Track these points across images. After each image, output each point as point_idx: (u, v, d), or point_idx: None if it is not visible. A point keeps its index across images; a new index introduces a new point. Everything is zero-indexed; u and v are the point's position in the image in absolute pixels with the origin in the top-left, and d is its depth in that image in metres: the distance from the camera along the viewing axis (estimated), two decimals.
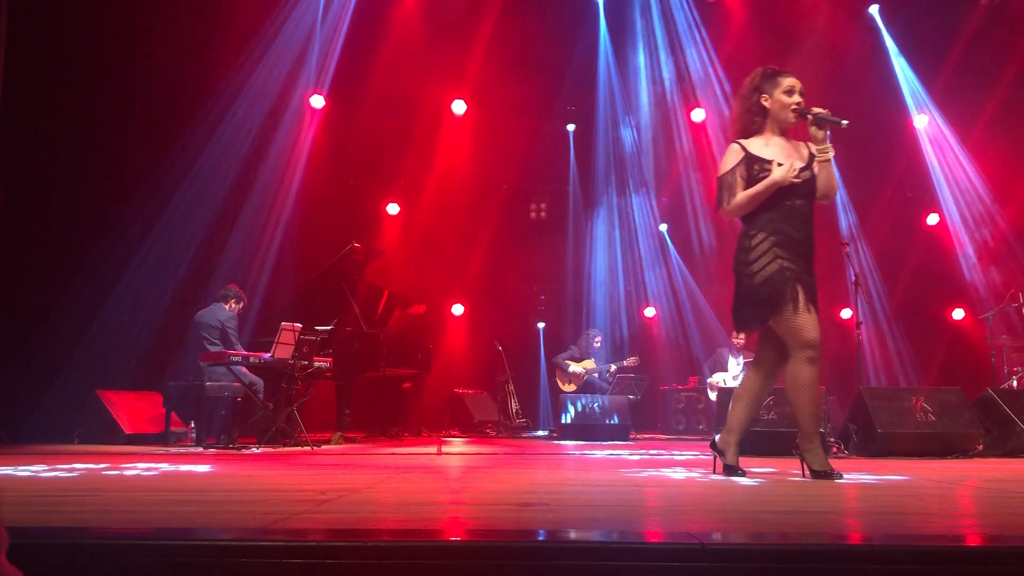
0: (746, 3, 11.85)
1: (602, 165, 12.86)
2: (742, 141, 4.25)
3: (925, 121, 12.13)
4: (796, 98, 4.24)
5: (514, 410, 11.34)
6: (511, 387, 11.47)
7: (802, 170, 4.11)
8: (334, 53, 11.39)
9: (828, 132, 4.20)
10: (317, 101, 11.49)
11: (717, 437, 4.36)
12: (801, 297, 4.03)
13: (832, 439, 6.46)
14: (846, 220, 12.46)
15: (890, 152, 12.24)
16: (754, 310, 4.12)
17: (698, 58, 12.10)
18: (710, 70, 12.06)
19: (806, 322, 4.02)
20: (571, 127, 13.01)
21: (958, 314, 12.17)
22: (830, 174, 4.18)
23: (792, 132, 4.33)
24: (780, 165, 4.09)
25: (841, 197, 12.56)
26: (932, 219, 12.43)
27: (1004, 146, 11.41)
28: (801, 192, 4.11)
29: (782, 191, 4.08)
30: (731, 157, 4.22)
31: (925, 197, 12.34)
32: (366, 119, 11.58)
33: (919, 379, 11.52)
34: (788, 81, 4.26)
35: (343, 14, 11.42)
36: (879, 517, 2.82)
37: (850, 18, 11.90)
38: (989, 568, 1.84)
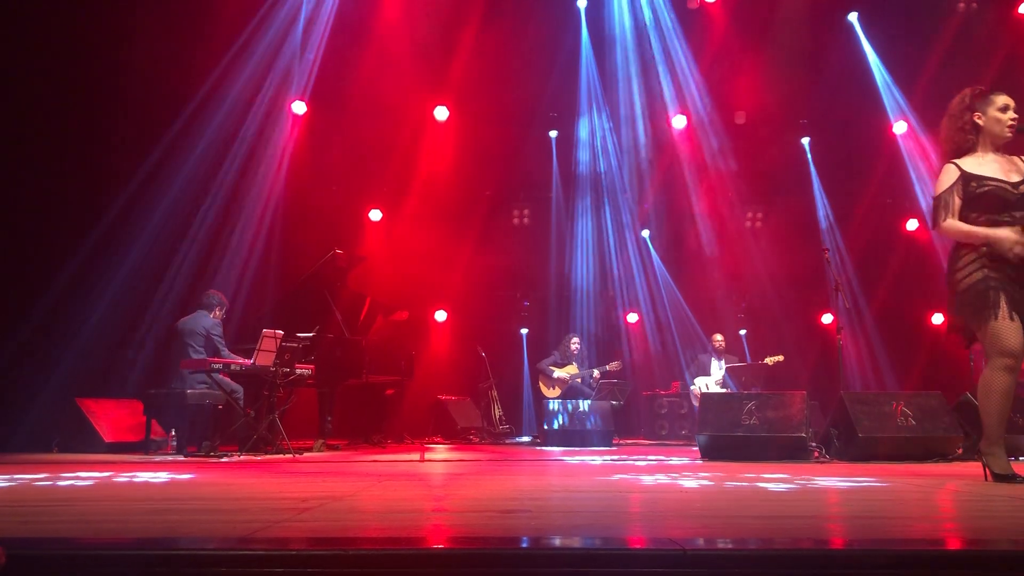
0: (727, 10, 11.93)
1: (585, 171, 12.91)
2: (956, 161, 4.34)
3: (904, 127, 12.24)
4: (1012, 114, 4.34)
5: (497, 416, 11.33)
6: (494, 393, 11.45)
7: (1015, 185, 4.21)
8: (316, 59, 11.36)
9: None
10: (299, 107, 11.46)
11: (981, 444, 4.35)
12: (1004, 305, 4.07)
13: (814, 444, 6.49)
14: (827, 226, 12.57)
15: (870, 158, 12.36)
16: (959, 317, 4.23)
17: (680, 65, 12.16)
18: (691, 77, 12.14)
19: (1007, 330, 4.06)
20: (553, 133, 13.04)
21: (937, 319, 12.28)
22: None
23: (1005, 147, 4.38)
24: (1000, 184, 4.19)
25: (823, 203, 12.66)
26: (911, 225, 12.55)
27: None
28: (1019, 207, 4.19)
29: (1002, 204, 4.17)
30: (947, 177, 4.32)
31: (905, 203, 12.47)
32: (348, 125, 11.57)
33: (900, 384, 11.62)
34: (1002, 99, 4.37)
35: (325, 20, 11.40)
36: (861, 522, 2.84)
37: (830, 26, 12.01)
38: (970, 572, 1.86)
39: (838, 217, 12.55)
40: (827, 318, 11.90)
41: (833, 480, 4.36)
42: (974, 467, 5.62)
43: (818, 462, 6.15)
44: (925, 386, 9.67)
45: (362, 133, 11.55)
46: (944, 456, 6.19)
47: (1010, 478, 4.11)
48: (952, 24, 11.38)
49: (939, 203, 4.31)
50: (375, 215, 12.36)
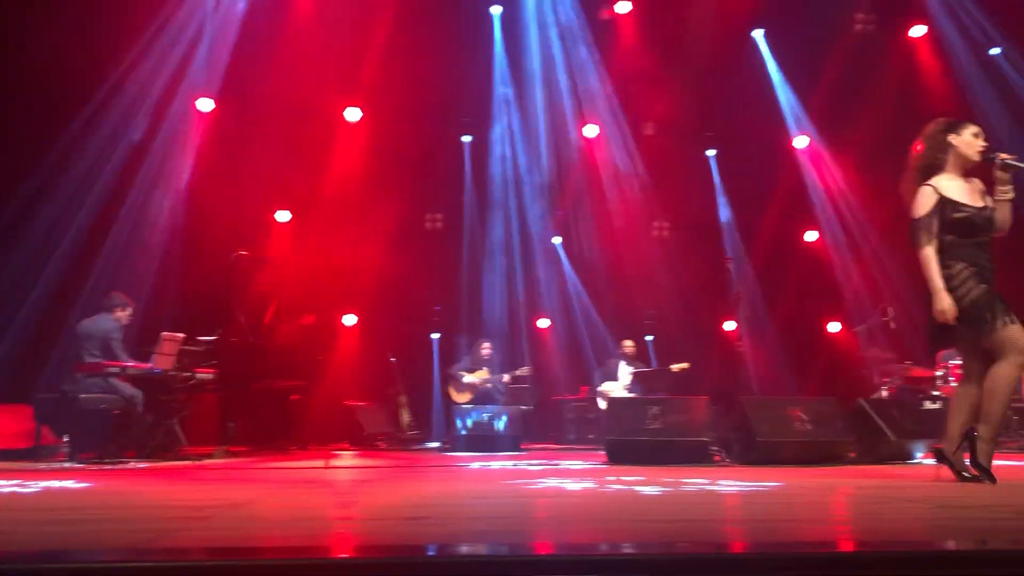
0: (638, 21, 12.14)
1: (498, 177, 12.93)
2: (933, 183, 4.63)
3: (805, 142, 12.70)
4: (983, 141, 4.69)
5: (406, 422, 11.23)
6: (403, 399, 11.35)
7: (981, 210, 4.58)
8: (225, 56, 11.08)
9: (1011, 175, 4.59)
10: (206, 104, 11.15)
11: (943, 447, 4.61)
12: (1004, 313, 4.45)
13: (715, 448, 6.65)
14: (731, 235, 12.91)
15: (773, 171, 12.76)
16: (963, 329, 4.52)
17: (591, 74, 12.33)
18: (602, 87, 12.31)
19: (1017, 332, 4.41)
20: (467, 139, 13.03)
21: (834, 327, 12.76)
22: (1008, 212, 4.61)
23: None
24: (972, 210, 4.56)
25: (727, 213, 13.01)
26: (811, 236, 13.02)
27: (876, 166, 12.07)
28: (986, 228, 4.58)
29: (973, 229, 4.55)
30: (926, 200, 4.60)
31: (805, 215, 12.92)
32: (257, 124, 11.30)
33: (798, 390, 11.99)
34: (974, 128, 4.73)
35: (236, 16, 11.14)
36: (758, 524, 2.92)
37: (736, 40, 12.35)
38: (862, 573, 1.92)
39: (741, 227, 12.91)
40: (730, 325, 12.22)
41: (732, 483, 4.47)
42: (866, 471, 5.85)
43: (719, 466, 6.30)
44: (822, 392, 10.03)
45: (271, 133, 11.30)
46: (838, 460, 6.42)
47: (986, 473, 4.38)
48: (849, 43, 11.85)
49: (920, 226, 4.60)
50: (283, 216, 12.10)
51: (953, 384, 9.58)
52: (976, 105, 11.51)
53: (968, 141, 4.68)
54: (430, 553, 2.07)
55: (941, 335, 4.64)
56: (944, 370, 9.80)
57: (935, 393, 9.69)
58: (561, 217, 13.04)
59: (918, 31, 11.94)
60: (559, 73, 12.50)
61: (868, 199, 12.31)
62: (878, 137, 11.87)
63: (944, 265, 4.56)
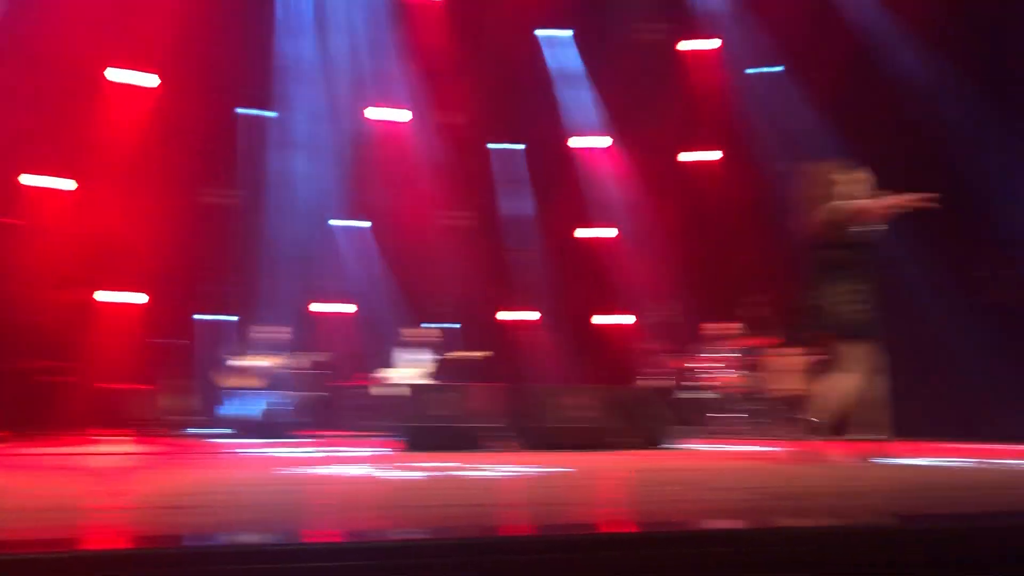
0: (442, 9, 12.08)
1: (295, 155, 12.40)
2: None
3: (594, 141, 13.22)
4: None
5: (180, 407, 10.59)
6: (181, 383, 10.71)
7: None
8: None
9: None
10: None
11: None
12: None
13: (507, 434, 6.77)
14: (521, 228, 13.19)
15: (562, 167, 13.18)
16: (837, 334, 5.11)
17: (392, 58, 12.15)
18: (402, 71, 12.18)
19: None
20: (247, 111, 12.33)
21: (617, 319, 13.39)
22: None
23: None
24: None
25: (517, 206, 13.26)
26: (598, 232, 13.57)
27: (662, 167, 12.81)
28: None
29: None
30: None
31: (594, 211, 13.43)
32: (22, 82, 10.19)
33: (584, 379, 12.45)
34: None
35: None
36: (539, 508, 2.97)
37: (534, 38, 12.60)
38: (639, 552, 1.97)
39: (535, 220, 13.22)
40: (525, 316, 12.52)
41: (515, 468, 4.55)
42: (641, 455, 6.16)
43: (506, 451, 6.43)
44: (605, 382, 10.44)
45: (40, 93, 10.25)
46: (615, 445, 6.71)
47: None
48: (641, 50, 12.42)
49: None
50: (43, 181, 10.90)
51: (719, 375, 10.32)
52: (753, 119, 12.43)
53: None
54: (190, 543, 1.94)
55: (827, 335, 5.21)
56: (712, 361, 10.51)
57: (703, 383, 10.38)
58: (359, 200, 12.78)
59: (706, 44, 12.71)
60: (360, 54, 12.22)
61: (647, 197, 12.99)
62: (656, 139, 12.60)
63: (840, 279, 5.13)
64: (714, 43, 12.65)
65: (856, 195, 5.18)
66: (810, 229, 5.18)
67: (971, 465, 5.02)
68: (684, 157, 13.07)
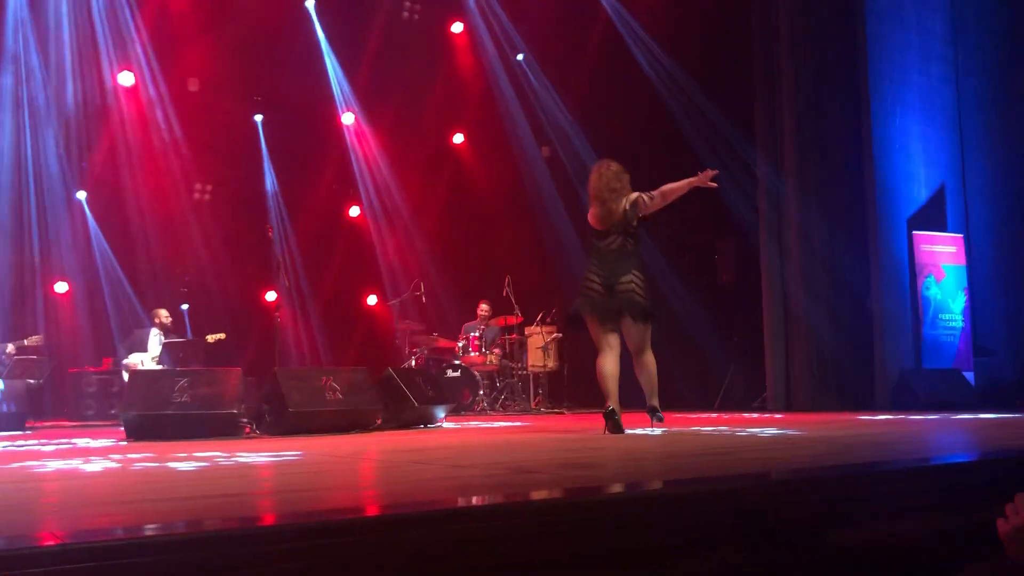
0: None
1: (8, 119, 11.12)
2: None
3: (351, 118, 13.00)
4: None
5: None
6: None
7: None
8: None
9: None
10: None
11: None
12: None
13: (245, 420, 6.51)
14: (275, 206, 12.75)
15: (322, 144, 12.86)
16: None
17: (124, 19, 11.21)
18: (137, 34, 11.28)
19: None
20: None
21: (372, 300, 13.31)
22: None
23: None
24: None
25: (272, 182, 12.80)
26: (354, 211, 13.40)
27: (409, 147, 12.84)
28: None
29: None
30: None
31: (349, 190, 13.25)
32: None
33: (337, 361, 12.28)
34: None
35: None
36: (290, 495, 2.87)
37: (291, 7, 12.13)
38: (387, 535, 1.95)
39: (288, 198, 12.82)
40: (271, 296, 12.08)
41: (259, 456, 4.38)
42: (391, 436, 6.17)
43: (248, 438, 6.18)
44: (359, 362, 10.36)
45: None
46: (366, 427, 6.67)
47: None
48: (397, 27, 12.36)
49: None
50: None
51: (473, 355, 10.57)
52: (501, 102, 12.79)
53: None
54: None
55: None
56: (464, 341, 10.75)
57: (456, 362, 10.59)
58: (88, 170, 11.71)
59: (458, 27, 12.86)
60: (93, 13, 11.17)
61: (402, 178, 13.02)
62: (413, 120, 12.64)
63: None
64: (459, 26, 12.86)
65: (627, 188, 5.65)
66: (606, 219, 5.59)
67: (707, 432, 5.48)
68: (444, 139, 13.25)
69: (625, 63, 11.21)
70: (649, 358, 5.58)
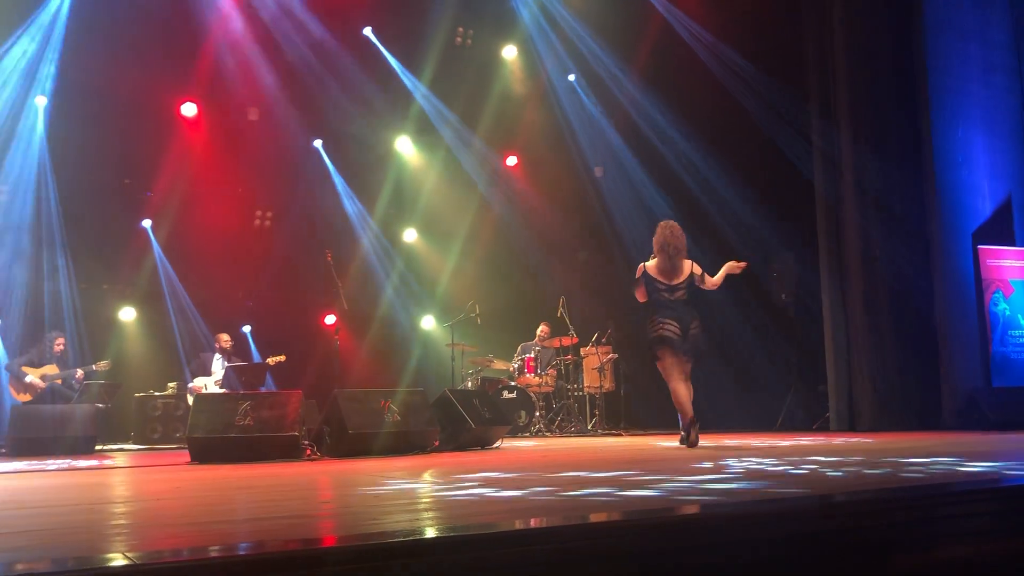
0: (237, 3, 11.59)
1: (74, 150, 11.44)
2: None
3: (407, 143, 13.20)
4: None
5: None
6: None
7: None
8: None
9: None
10: None
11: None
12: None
13: (306, 442, 6.60)
14: (334, 230, 12.93)
15: (382, 169, 13.07)
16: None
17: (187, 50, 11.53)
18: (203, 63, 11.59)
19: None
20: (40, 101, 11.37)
21: (427, 321, 13.41)
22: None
23: None
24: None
25: (336, 206, 12.99)
26: (409, 235, 13.56)
27: (471, 170, 12.93)
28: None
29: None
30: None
31: (404, 214, 13.42)
32: None
33: (393, 382, 12.36)
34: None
35: None
36: (348, 518, 2.91)
37: (348, 34, 12.31)
38: (445, 558, 1.95)
39: (345, 222, 13.01)
40: (330, 319, 12.24)
41: (318, 477, 4.43)
42: (448, 457, 6.18)
43: (309, 460, 6.26)
44: (415, 384, 10.43)
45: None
46: (423, 448, 6.71)
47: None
48: (451, 52, 12.49)
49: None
50: None
51: (528, 376, 10.58)
52: (554, 124, 12.85)
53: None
54: None
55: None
56: (520, 363, 10.76)
57: (512, 384, 10.60)
58: (152, 199, 12.05)
59: (510, 51, 12.95)
60: (151, 43, 11.47)
61: (456, 201, 13.13)
62: (467, 144, 12.74)
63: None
64: (511, 50, 12.95)
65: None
66: (670, 273, 6.73)
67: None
68: (498, 161, 13.36)
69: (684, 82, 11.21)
70: (688, 383, 6.74)
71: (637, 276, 6.84)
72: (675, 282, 6.71)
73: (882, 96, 9.07)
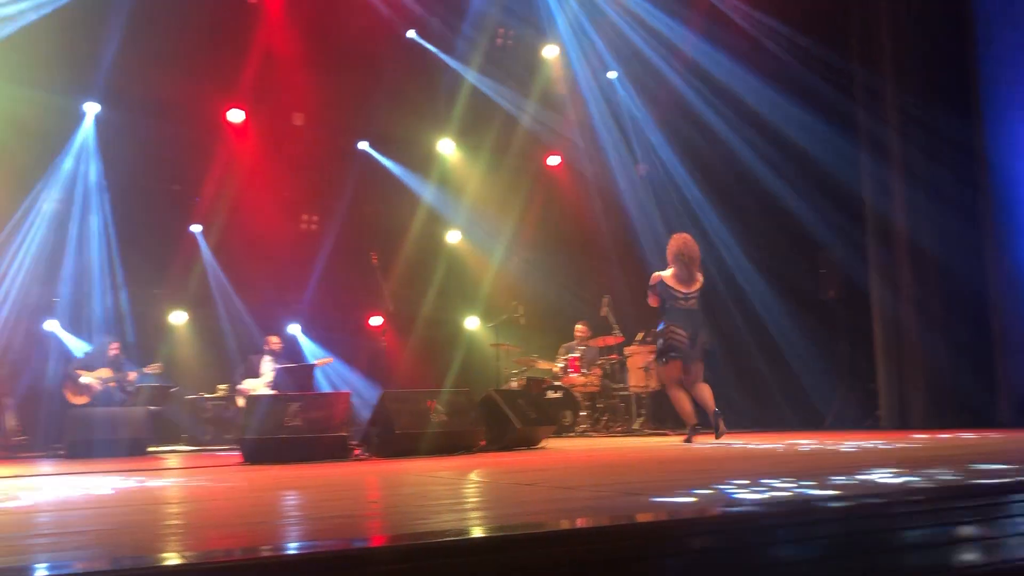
0: (285, 10, 11.74)
1: (126, 158, 11.68)
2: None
3: (450, 145, 13.25)
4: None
5: (10, 426, 9.88)
6: (6, 400, 9.98)
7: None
8: None
9: None
10: None
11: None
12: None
13: (354, 442, 6.67)
14: (379, 231, 13.03)
15: (423, 173, 13.15)
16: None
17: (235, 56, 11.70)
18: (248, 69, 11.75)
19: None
20: (90, 105, 11.58)
21: (472, 322, 13.46)
22: None
23: None
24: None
25: (377, 209, 13.10)
26: (453, 236, 13.63)
27: (501, 172, 12.97)
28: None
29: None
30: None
31: (448, 215, 13.49)
32: None
33: (438, 383, 12.42)
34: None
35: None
36: (398, 517, 2.94)
37: (389, 36, 12.39)
38: (492, 557, 1.96)
39: (389, 224, 13.10)
40: (376, 320, 12.36)
41: (366, 477, 4.48)
42: (493, 457, 6.21)
43: (357, 459, 6.33)
44: (460, 384, 10.48)
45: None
46: (469, 449, 6.74)
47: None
48: (493, 53, 12.52)
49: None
50: None
51: (573, 375, 10.57)
52: (595, 123, 12.81)
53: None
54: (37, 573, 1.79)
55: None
56: (564, 362, 10.75)
57: (557, 384, 10.59)
58: (200, 204, 12.26)
59: (551, 51, 12.92)
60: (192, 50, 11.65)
61: (499, 201, 13.14)
62: (507, 144, 12.78)
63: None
64: (554, 50, 12.89)
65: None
66: (687, 281, 7.22)
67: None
68: (539, 161, 13.36)
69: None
70: (705, 383, 7.19)
71: (652, 284, 7.32)
72: (691, 290, 7.22)
73: (931, 87, 8.89)
